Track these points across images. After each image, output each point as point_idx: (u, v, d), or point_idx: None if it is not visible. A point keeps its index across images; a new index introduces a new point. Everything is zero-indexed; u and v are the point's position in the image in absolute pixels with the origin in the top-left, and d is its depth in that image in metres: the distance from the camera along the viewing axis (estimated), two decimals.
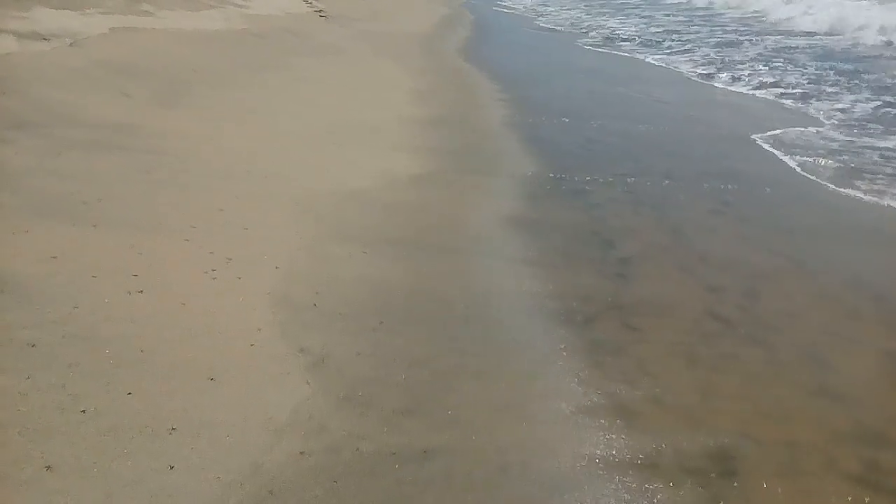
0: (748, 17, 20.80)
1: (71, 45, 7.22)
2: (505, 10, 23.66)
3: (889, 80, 10.92)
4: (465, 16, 19.98)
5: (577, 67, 12.44)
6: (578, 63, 12.87)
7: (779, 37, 16.40)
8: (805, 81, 10.75)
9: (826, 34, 16.62)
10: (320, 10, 14.22)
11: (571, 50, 14.51)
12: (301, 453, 2.46)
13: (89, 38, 7.61)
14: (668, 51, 14.29)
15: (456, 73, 10.88)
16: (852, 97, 9.63)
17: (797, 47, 14.64)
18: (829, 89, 10.17)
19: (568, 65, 12.81)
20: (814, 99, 9.58)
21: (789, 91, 10.10)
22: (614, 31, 17.65)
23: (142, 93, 6.60)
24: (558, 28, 18.45)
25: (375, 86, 9.15)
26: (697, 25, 18.96)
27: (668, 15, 21.89)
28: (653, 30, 17.85)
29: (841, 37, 16.08)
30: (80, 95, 6.08)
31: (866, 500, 2.54)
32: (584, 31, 17.70)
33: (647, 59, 13.19)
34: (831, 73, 11.53)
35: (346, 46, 11.57)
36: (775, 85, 10.56)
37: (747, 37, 16.28)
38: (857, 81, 10.74)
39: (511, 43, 15.93)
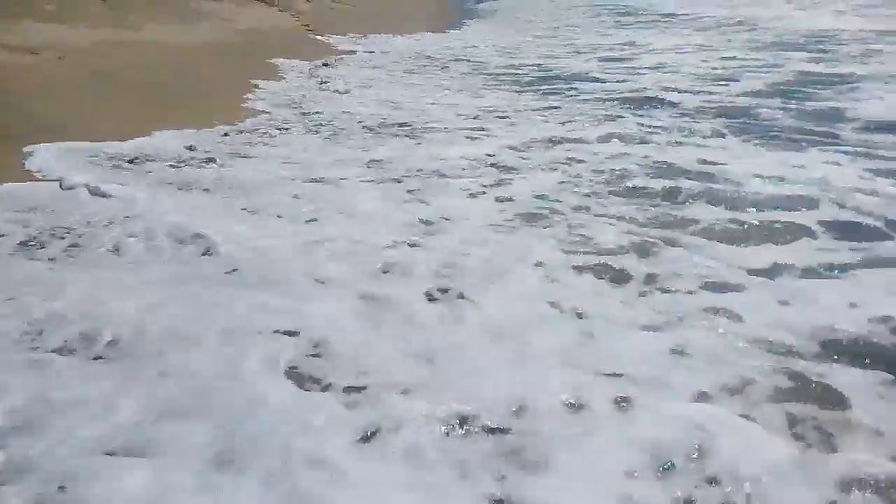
0: None
1: (60, 58, 7.26)
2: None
3: None
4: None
5: None
6: None
7: None
8: None
9: None
10: (307, 25, 14.34)
11: None
12: None
13: (78, 50, 7.66)
14: None
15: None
16: None
17: None
18: None
19: None
20: None
21: None
22: None
23: (131, 105, 6.63)
24: None
25: None
26: None
27: None
28: None
29: None
30: (71, 109, 6.11)
31: None
32: None
33: None
34: None
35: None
36: None
37: None
38: None
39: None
